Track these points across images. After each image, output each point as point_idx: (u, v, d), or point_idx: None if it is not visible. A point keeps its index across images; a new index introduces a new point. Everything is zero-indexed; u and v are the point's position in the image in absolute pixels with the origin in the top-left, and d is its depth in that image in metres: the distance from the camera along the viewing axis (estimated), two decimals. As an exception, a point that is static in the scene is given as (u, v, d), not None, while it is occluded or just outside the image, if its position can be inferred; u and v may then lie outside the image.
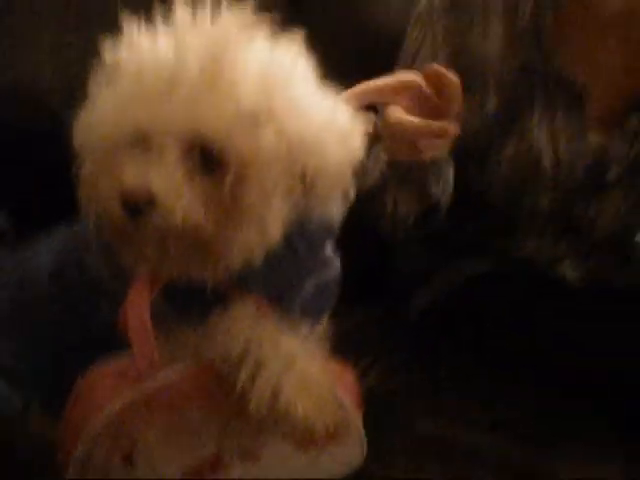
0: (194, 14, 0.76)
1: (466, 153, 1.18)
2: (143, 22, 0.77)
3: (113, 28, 0.77)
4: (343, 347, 1.13)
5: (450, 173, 1.15)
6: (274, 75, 0.75)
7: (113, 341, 0.80)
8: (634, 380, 1.10)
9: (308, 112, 0.76)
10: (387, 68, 1.10)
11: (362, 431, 0.91)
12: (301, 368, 0.80)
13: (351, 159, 0.80)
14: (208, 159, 0.73)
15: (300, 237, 0.83)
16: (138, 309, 0.77)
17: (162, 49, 0.74)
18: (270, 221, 0.75)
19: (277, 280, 0.83)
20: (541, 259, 1.29)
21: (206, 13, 0.76)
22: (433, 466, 1.03)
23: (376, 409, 1.02)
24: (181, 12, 0.75)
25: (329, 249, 0.90)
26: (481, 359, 1.20)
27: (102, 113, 0.75)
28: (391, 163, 1.09)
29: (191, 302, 0.80)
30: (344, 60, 1.15)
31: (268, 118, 0.73)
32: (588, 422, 1.11)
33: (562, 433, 1.10)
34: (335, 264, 0.92)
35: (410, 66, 1.19)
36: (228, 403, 0.81)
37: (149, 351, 0.78)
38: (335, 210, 0.85)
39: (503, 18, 1.18)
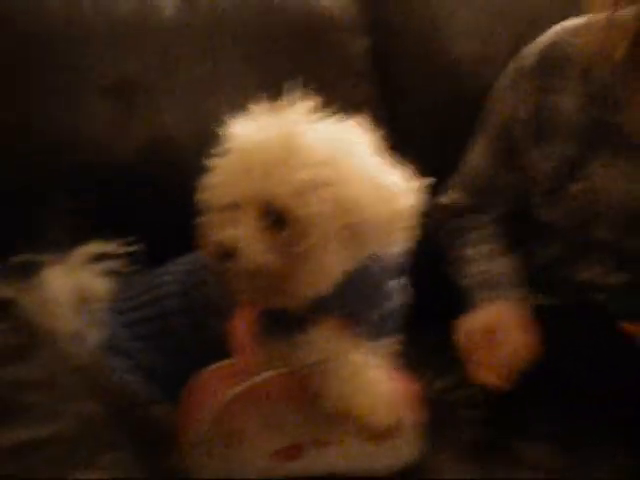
0: (277, 106, 1.00)
1: (539, 191, 1.36)
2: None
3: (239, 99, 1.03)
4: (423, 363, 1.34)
5: None
6: (333, 152, 0.97)
7: (219, 350, 1.05)
8: None
9: (360, 181, 0.98)
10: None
11: (416, 431, 1.11)
12: (363, 377, 1.02)
13: (395, 217, 1.01)
14: (278, 219, 0.96)
15: (360, 276, 1.04)
16: (242, 326, 1.01)
17: (250, 134, 0.98)
18: (327, 264, 0.97)
19: (347, 309, 1.05)
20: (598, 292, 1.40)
21: (284, 104, 1.00)
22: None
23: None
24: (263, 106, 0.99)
25: (393, 284, 1.11)
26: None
27: (215, 180, 1.00)
28: None
29: (283, 322, 1.03)
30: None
31: (326, 186, 0.96)
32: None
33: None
34: (399, 296, 1.13)
35: (487, 120, 1.39)
36: (308, 401, 1.04)
37: (248, 359, 1.02)
38: (394, 254, 1.06)
39: (579, 81, 1.31)
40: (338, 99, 1.34)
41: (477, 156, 1.42)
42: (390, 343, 1.17)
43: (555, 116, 1.33)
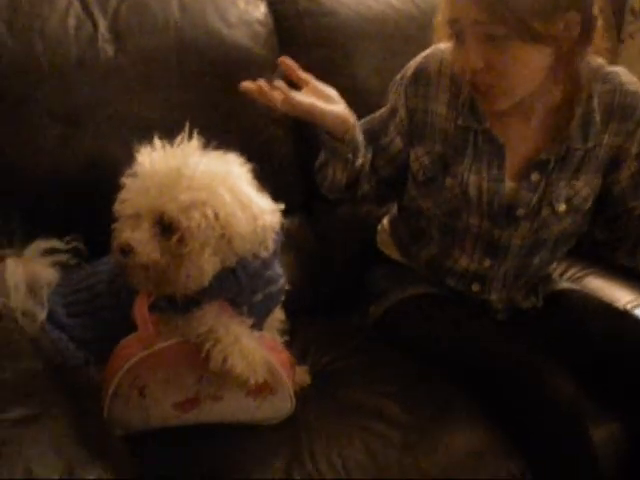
0: (173, 141, 1.29)
1: (417, 182, 1.60)
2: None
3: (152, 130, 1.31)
4: (310, 344, 1.63)
5: (364, 156, 1.54)
6: (212, 179, 1.25)
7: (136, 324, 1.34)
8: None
9: (231, 202, 1.25)
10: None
11: (290, 389, 1.39)
12: (242, 344, 1.31)
13: (259, 231, 1.28)
14: (167, 228, 1.24)
15: (241, 270, 1.32)
16: (141, 308, 1.29)
17: (150, 162, 1.27)
18: (203, 264, 1.25)
19: (229, 294, 1.34)
20: (474, 281, 1.63)
21: (180, 140, 1.29)
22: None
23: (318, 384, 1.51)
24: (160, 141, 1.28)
25: (272, 272, 1.40)
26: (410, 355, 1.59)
27: (125, 196, 1.28)
28: (325, 145, 1.51)
29: (177, 304, 1.32)
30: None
31: (205, 205, 1.23)
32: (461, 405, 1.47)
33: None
34: (280, 281, 1.42)
35: (372, 118, 1.62)
36: (201, 363, 1.32)
37: (148, 331, 1.30)
38: (265, 254, 1.34)
39: (449, 91, 1.52)
40: (254, 131, 1.64)
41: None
42: (274, 319, 1.48)
43: (429, 120, 1.55)
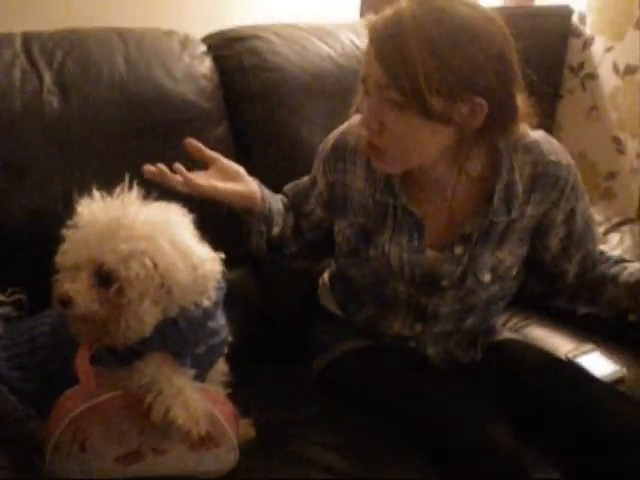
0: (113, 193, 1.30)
1: (343, 252, 1.62)
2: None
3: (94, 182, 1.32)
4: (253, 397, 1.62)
5: (280, 225, 1.57)
6: (152, 229, 1.26)
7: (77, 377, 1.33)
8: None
9: (173, 252, 1.26)
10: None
11: (234, 441, 1.38)
12: (185, 396, 1.29)
13: (199, 280, 1.30)
14: (105, 278, 1.24)
15: (183, 321, 1.33)
16: (82, 359, 1.29)
17: (90, 213, 1.28)
18: (143, 314, 1.25)
19: (171, 346, 1.33)
20: (410, 340, 1.63)
21: (119, 191, 1.30)
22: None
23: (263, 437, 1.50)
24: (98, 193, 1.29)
25: (215, 323, 1.40)
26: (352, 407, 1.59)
27: (64, 247, 1.28)
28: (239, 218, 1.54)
29: (117, 355, 1.31)
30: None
31: (144, 255, 1.24)
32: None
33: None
34: (223, 333, 1.42)
35: (308, 189, 1.63)
36: (143, 415, 1.30)
37: (89, 383, 1.29)
38: (207, 304, 1.34)
39: (365, 167, 1.53)
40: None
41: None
42: (217, 371, 1.47)
43: (348, 194, 1.57)
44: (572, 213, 1.54)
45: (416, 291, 1.57)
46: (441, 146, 1.41)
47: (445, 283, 1.55)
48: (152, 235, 1.26)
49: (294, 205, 1.65)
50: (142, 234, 1.25)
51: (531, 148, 1.50)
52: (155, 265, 1.25)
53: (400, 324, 1.64)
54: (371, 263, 1.58)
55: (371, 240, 1.56)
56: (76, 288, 1.24)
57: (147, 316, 1.26)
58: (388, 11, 1.35)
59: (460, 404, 1.49)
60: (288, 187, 1.67)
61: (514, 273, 1.58)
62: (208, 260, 1.31)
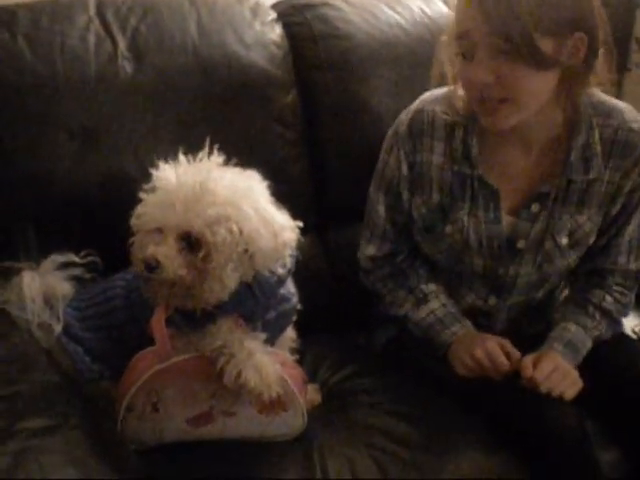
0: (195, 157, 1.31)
1: (419, 230, 1.61)
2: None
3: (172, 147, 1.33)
4: (319, 364, 1.64)
5: None
6: (235, 195, 1.26)
7: (150, 338, 1.35)
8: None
9: (255, 218, 1.27)
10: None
11: (303, 406, 1.39)
12: (256, 359, 1.31)
13: (279, 247, 1.30)
14: (191, 243, 1.25)
15: (257, 286, 1.34)
16: (159, 322, 1.30)
17: (174, 177, 1.29)
18: (226, 278, 1.26)
19: (244, 310, 1.35)
20: (479, 315, 1.63)
21: (201, 156, 1.31)
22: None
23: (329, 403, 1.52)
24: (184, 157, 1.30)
25: (286, 290, 1.42)
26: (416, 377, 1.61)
27: (144, 211, 1.29)
28: None
29: (194, 318, 1.33)
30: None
31: (229, 221, 1.24)
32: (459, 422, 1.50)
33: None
34: (293, 300, 1.44)
35: (380, 176, 1.62)
36: (215, 378, 1.32)
37: (166, 345, 1.32)
38: (280, 271, 1.36)
39: (443, 141, 1.53)
40: (270, 150, 1.67)
41: (379, 208, 1.64)
42: (286, 338, 1.49)
43: (426, 171, 1.56)
44: (636, 189, 1.53)
45: (493, 262, 1.57)
46: (548, 95, 1.41)
47: (521, 244, 1.54)
48: (236, 201, 1.26)
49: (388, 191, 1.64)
50: (226, 199, 1.26)
51: (614, 114, 1.50)
52: (240, 231, 1.25)
53: (474, 296, 1.65)
54: (447, 240, 1.58)
55: (448, 216, 1.57)
56: (164, 252, 1.24)
57: (229, 281, 1.27)
58: None
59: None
60: (377, 180, 1.67)
61: (591, 240, 1.57)
62: (287, 228, 1.32)
